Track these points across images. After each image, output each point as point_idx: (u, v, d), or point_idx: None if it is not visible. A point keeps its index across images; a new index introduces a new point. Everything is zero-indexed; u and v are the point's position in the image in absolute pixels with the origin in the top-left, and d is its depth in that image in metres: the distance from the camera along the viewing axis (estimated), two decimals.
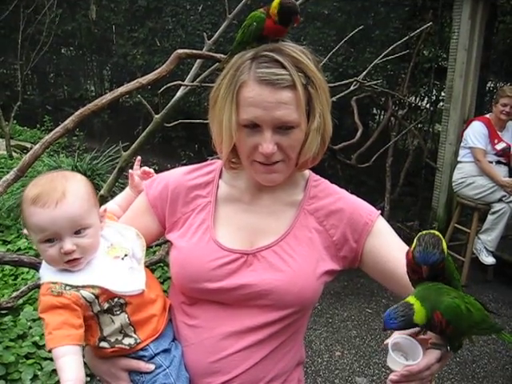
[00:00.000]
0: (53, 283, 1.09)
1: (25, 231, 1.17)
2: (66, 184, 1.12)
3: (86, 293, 1.09)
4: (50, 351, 1.06)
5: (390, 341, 1.02)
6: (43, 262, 1.17)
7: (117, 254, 1.17)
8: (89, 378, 2.95)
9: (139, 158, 1.43)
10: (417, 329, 1.04)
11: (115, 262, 1.16)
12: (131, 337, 1.14)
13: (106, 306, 1.11)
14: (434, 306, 0.97)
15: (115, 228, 1.24)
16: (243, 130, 1.13)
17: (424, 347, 1.01)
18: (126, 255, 1.17)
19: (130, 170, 1.39)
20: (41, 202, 1.08)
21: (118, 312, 1.13)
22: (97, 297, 1.10)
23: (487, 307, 1.09)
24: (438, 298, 0.99)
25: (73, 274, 1.11)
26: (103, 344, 1.14)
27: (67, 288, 1.08)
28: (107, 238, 1.19)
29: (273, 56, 1.10)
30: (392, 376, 0.99)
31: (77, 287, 1.09)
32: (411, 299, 0.99)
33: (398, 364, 0.99)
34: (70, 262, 1.11)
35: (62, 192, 1.10)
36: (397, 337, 1.03)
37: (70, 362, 1.03)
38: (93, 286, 1.09)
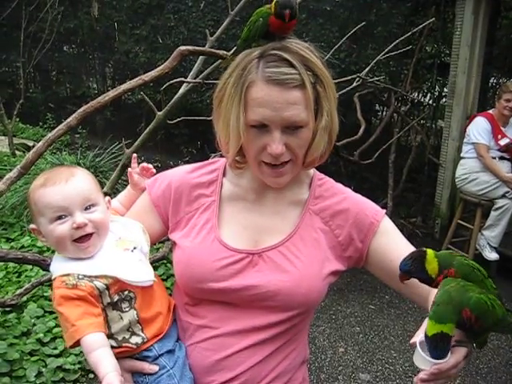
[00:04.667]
0: (66, 275, 1.09)
1: (31, 226, 1.18)
2: (73, 169, 1.18)
3: (99, 283, 1.09)
4: (74, 345, 1.06)
5: (417, 339, 1.01)
6: (53, 258, 1.17)
7: (126, 246, 1.17)
8: (92, 375, 2.96)
9: (135, 155, 1.41)
10: None
11: (125, 253, 1.16)
12: (138, 335, 1.14)
13: (115, 298, 1.11)
14: (462, 303, 0.98)
15: (121, 222, 1.24)
16: (251, 131, 1.11)
17: (450, 345, 1.01)
18: (135, 248, 1.18)
19: (128, 169, 1.37)
20: (50, 182, 1.12)
21: (127, 309, 1.13)
22: (107, 288, 1.10)
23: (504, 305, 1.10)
24: (463, 297, 0.99)
25: (85, 263, 1.12)
26: (110, 342, 1.12)
27: (80, 277, 1.08)
28: (115, 232, 1.19)
29: (281, 55, 1.08)
30: (422, 375, 0.98)
31: (90, 277, 1.09)
32: (436, 328, 0.98)
33: (426, 362, 0.98)
34: (82, 241, 1.11)
35: (70, 172, 1.15)
36: (423, 335, 1.01)
37: (104, 355, 1.05)
38: (106, 276, 1.10)
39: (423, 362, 0.99)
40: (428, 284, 1.06)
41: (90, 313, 1.07)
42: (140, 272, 1.15)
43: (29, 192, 1.16)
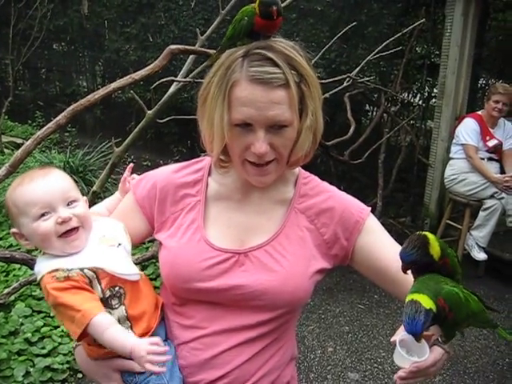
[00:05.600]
0: (54, 271, 1.08)
1: (12, 230, 1.17)
2: (48, 167, 1.18)
3: (88, 272, 1.09)
4: (82, 335, 1.06)
5: (397, 338, 1.02)
6: (37, 260, 1.16)
7: (111, 243, 1.17)
8: (81, 375, 2.95)
9: (131, 165, 1.40)
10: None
11: (111, 248, 1.16)
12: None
13: (107, 293, 1.11)
14: (437, 291, 0.99)
15: (103, 221, 1.24)
16: (235, 130, 1.10)
17: (428, 343, 1.02)
18: (119, 244, 1.18)
19: (124, 175, 1.36)
20: (27, 180, 1.12)
21: (117, 305, 1.13)
22: (99, 282, 1.10)
23: (485, 303, 1.10)
24: (437, 286, 1.00)
25: (72, 259, 1.11)
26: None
27: (70, 270, 1.08)
28: (98, 230, 1.19)
29: (265, 54, 1.08)
30: (400, 373, 0.99)
31: (79, 269, 1.09)
32: (414, 296, 0.99)
33: (406, 361, 0.99)
34: (68, 235, 1.11)
35: (47, 170, 1.16)
36: (403, 334, 1.02)
37: (119, 331, 1.07)
38: (94, 268, 1.10)
39: (402, 360, 1.00)
40: (428, 268, 1.05)
41: (90, 298, 1.07)
42: (127, 265, 1.15)
43: (6, 196, 1.14)
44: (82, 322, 1.04)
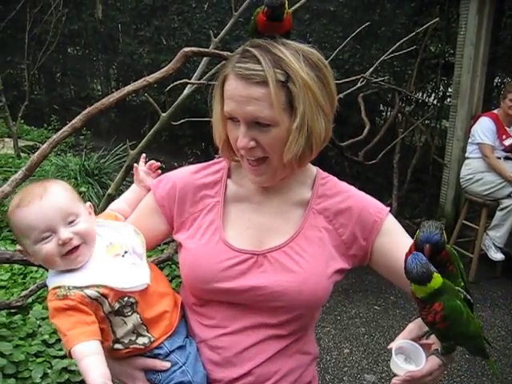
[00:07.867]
0: (57, 288, 1.10)
1: (17, 247, 1.17)
2: (46, 183, 1.16)
3: (90, 291, 1.09)
4: (69, 355, 1.07)
5: (393, 345, 1.02)
6: (48, 272, 1.17)
7: (117, 251, 1.17)
8: None
9: (144, 155, 1.43)
10: (420, 334, 1.06)
11: (116, 259, 1.16)
12: (145, 336, 1.15)
13: (116, 306, 1.11)
14: (442, 297, 0.98)
15: (112, 226, 1.24)
16: (228, 123, 1.14)
17: (426, 352, 1.02)
18: (126, 252, 1.17)
19: (134, 165, 1.39)
20: (25, 202, 1.11)
21: (130, 313, 1.13)
22: (105, 297, 1.10)
23: (486, 337, 1.09)
24: (449, 294, 0.99)
25: (76, 275, 1.12)
26: (117, 346, 1.14)
27: (70, 288, 1.09)
28: (105, 237, 1.19)
29: (252, 51, 1.10)
30: (394, 380, 1.00)
31: (80, 288, 1.09)
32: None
33: (400, 369, 1.00)
34: (71, 253, 1.11)
35: (44, 188, 1.13)
36: (401, 341, 1.03)
37: (92, 362, 1.04)
38: (97, 286, 1.10)
39: (397, 368, 1.01)
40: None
41: (82, 322, 1.07)
42: (132, 277, 1.14)
43: (7, 214, 1.15)
44: (66, 347, 1.06)
